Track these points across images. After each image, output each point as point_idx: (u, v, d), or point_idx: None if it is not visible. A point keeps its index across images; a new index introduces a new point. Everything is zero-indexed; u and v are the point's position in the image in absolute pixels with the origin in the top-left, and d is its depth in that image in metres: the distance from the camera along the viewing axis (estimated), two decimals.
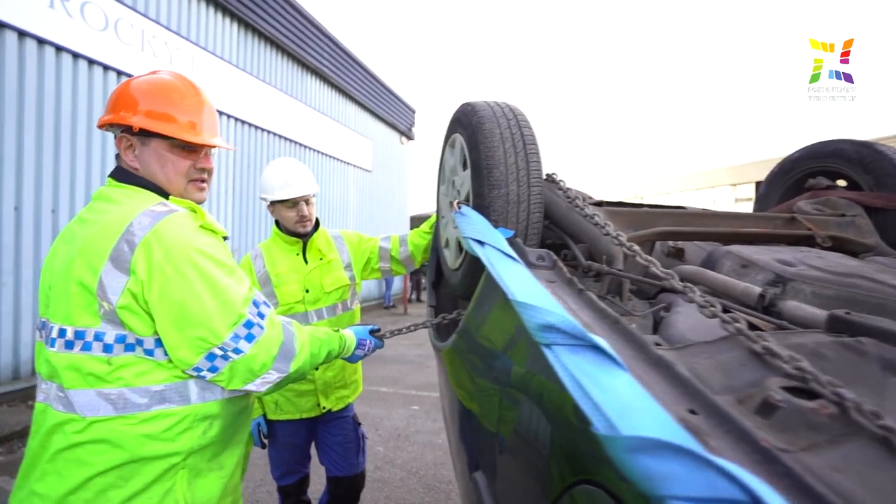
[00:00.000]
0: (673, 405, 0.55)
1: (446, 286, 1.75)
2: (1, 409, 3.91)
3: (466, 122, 1.22)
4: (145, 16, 5.27)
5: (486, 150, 1.13)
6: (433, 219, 1.92)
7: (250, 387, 0.97)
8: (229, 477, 1.01)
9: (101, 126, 1.03)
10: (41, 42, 4.30)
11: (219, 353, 0.90)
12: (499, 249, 0.92)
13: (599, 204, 1.33)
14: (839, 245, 1.35)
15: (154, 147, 1.00)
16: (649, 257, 0.97)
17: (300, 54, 8.15)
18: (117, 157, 1.05)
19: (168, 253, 0.88)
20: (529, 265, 0.96)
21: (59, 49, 4.45)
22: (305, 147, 8.50)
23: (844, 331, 0.74)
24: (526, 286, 0.79)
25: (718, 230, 1.31)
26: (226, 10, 6.53)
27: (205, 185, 1.07)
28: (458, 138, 1.29)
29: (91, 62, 4.74)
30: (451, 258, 1.38)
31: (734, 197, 16.16)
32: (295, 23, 7.95)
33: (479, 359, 1.03)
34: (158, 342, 0.90)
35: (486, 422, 0.98)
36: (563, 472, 0.64)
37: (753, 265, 1.10)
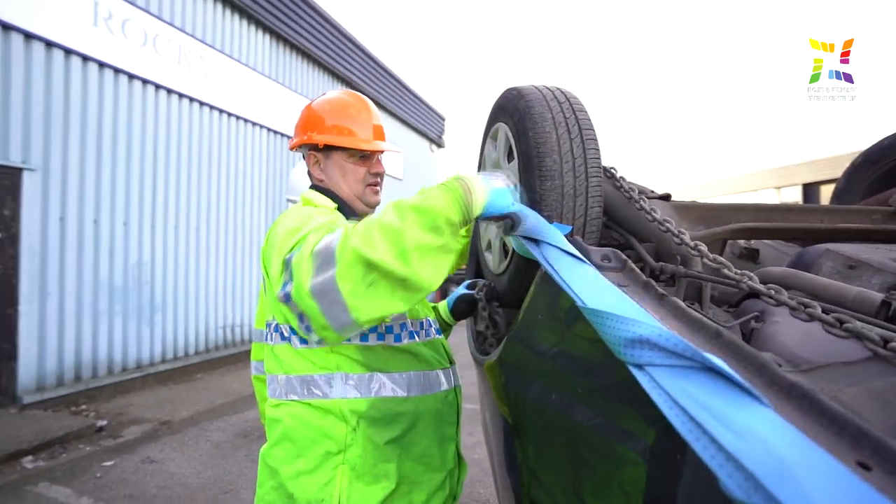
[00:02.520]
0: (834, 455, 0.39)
1: None
2: (45, 414, 4.00)
3: (512, 109, 1.09)
4: (182, 30, 5.42)
5: (535, 136, 0.99)
6: None
7: (338, 318, 0.74)
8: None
9: (292, 148, 1.18)
10: (85, 59, 4.45)
11: (287, 279, 0.80)
12: (559, 248, 0.78)
13: (666, 198, 1.17)
14: None
15: (336, 159, 1.12)
16: (719, 258, 0.81)
17: (332, 65, 8.24)
18: (309, 174, 1.18)
19: (272, 229, 0.96)
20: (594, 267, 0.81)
21: (101, 65, 4.60)
22: None
23: None
24: (599, 291, 0.64)
25: (809, 226, 1.12)
26: (259, 23, 6.66)
27: (378, 187, 1.17)
28: (502, 127, 1.15)
29: (131, 77, 4.89)
30: (493, 262, 1.25)
31: (779, 201, 15.30)
32: (327, 34, 8.06)
33: (534, 379, 0.89)
34: (292, 330, 0.96)
35: (534, 448, 0.84)
36: None
37: (865, 266, 0.91)
